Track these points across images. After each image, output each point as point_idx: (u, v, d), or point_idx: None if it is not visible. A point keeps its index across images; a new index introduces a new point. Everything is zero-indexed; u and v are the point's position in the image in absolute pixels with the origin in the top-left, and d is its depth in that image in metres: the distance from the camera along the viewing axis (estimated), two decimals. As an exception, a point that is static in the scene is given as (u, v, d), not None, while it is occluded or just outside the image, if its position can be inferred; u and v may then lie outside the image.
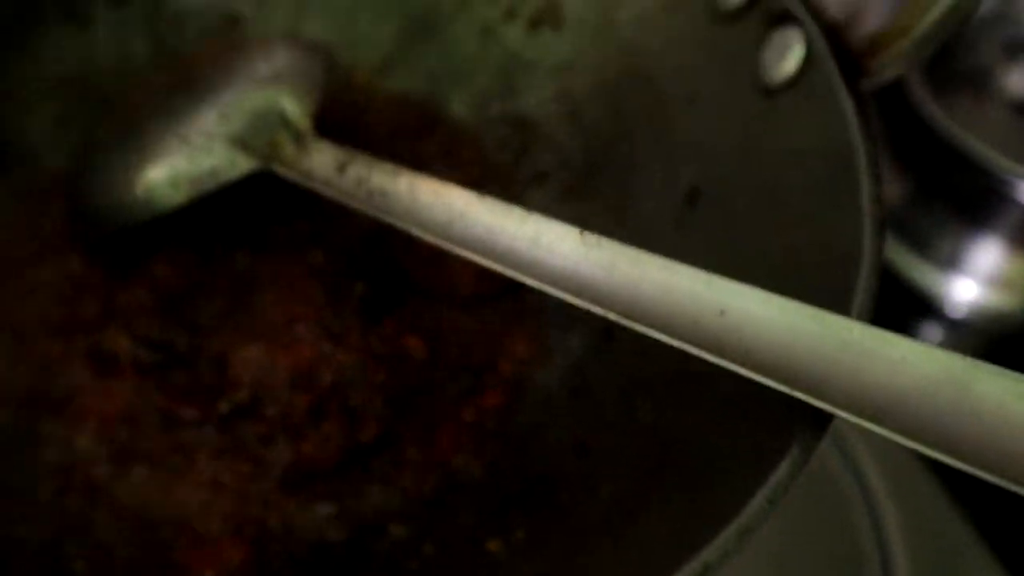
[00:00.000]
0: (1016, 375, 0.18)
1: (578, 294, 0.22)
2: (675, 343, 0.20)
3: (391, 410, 0.28)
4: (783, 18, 0.27)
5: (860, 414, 0.18)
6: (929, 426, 0.17)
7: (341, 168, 0.27)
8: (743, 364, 0.19)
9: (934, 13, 0.24)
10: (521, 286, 0.22)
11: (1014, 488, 0.16)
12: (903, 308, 0.47)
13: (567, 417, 0.28)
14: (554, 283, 0.22)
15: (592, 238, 0.23)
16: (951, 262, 0.45)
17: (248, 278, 0.30)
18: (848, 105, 0.25)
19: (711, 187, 0.29)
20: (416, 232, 0.25)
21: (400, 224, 0.25)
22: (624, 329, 0.20)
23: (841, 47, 0.26)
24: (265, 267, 0.30)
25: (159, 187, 0.27)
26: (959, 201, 0.44)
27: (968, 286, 0.45)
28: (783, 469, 0.19)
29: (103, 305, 0.29)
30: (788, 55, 0.27)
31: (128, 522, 0.26)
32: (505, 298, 0.30)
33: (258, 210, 0.30)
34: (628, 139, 0.32)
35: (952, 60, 0.44)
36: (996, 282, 0.44)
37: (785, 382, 0.18)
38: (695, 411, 0.23)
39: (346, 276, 0.30)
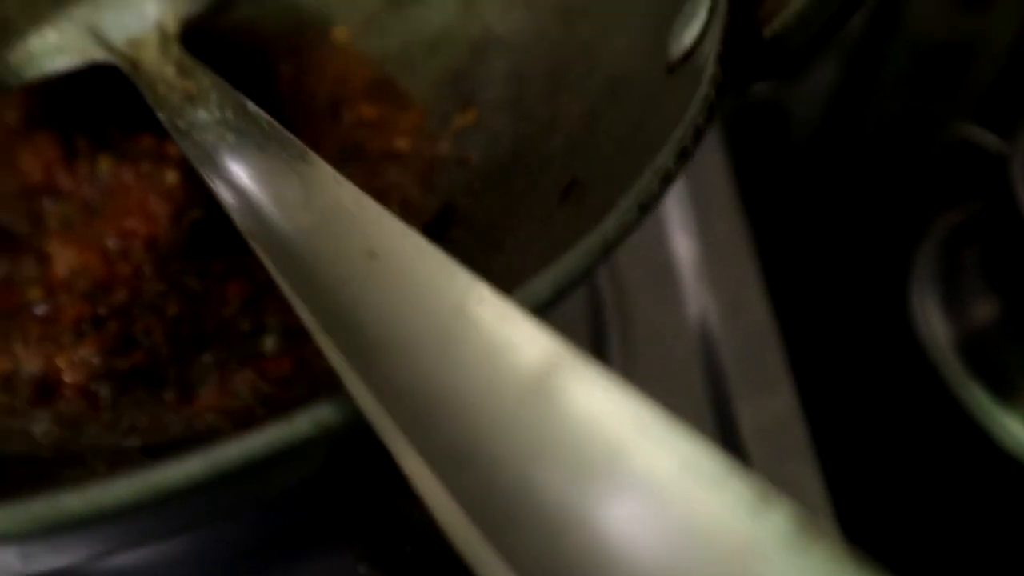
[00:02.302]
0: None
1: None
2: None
3: (168, 346, 0.25)
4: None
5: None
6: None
7: (182, 72, 0.25)
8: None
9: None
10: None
11: None
12: (987, 466, 0.37)
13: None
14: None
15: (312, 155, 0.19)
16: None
17: (103, 184, 0.28)
18: (709, 72, 0.19)
19: (588, 179, 0.24)
20: (182, 147, 0.22)
21: (184, 148, 0.22)
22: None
23: (746, 11, 0.20)
24: (122, 176, 0.28)
25: (11, 59, 0.27)
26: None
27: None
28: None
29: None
30: (694, 21, 0.22)
31: None
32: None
33: (139, 113, 0.29)
34: (555, 131, 0.27)
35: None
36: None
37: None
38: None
39: (191, 202, 0.28)
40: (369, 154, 0.30)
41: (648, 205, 0.16)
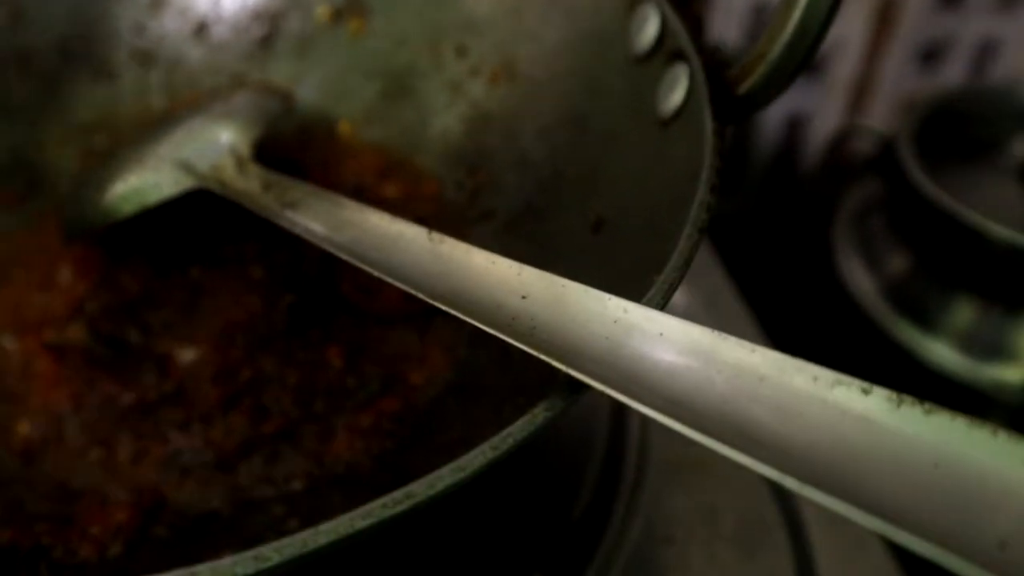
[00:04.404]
0: (749, 344, 0.19)
1: (420, 286, 0.24)
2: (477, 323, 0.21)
3: (298, 409, 0.30)
4: (676, 56, 0.29)
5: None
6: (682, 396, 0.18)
7: (266, 187, 0.31)
8: (526, 342, 0.20)
9: (782, 41, 0.26)
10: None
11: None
12: (919, 386, 0.45)
13: (453, 419, 0.29)
14: (405, 276, 0.25)
15: (437, 236, 0.25)
16: (960, 336, 0.43)
17: (198, 288, 0.33)
18: (709, 127, 0.26)
19: (612, 216, 0.30)
20: (310, 239, 0.28)
21: (304, 233, 0.28)
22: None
23: (717, 76, 0.27)
24: (213, 280, 0.34)
25: (116, 198, 0.32)
26: (961, 273, 0.42)
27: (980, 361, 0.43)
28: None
29: (74, 306, 0.33)
30: (677, 88, 0.29)
31: (48, 485, 0.29)
32: (428, 314, 0.32)
33: (214, 231, 0.34)
34: (560, 179, 0.34)
35: (953, 133, 0.44)
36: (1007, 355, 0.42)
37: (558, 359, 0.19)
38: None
39: (280, 290, 0.33)
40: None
41: (703, 230, 0.23)
